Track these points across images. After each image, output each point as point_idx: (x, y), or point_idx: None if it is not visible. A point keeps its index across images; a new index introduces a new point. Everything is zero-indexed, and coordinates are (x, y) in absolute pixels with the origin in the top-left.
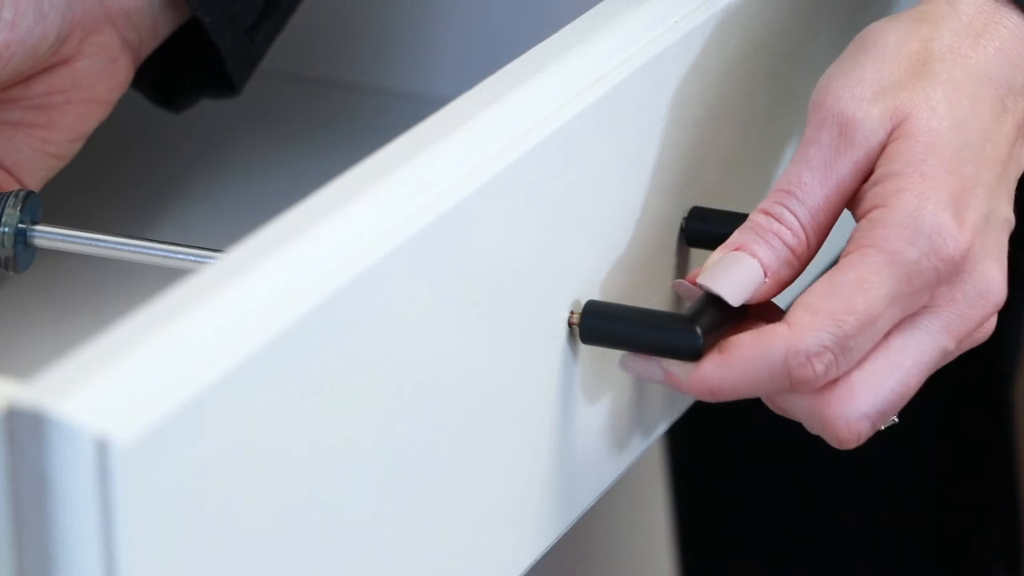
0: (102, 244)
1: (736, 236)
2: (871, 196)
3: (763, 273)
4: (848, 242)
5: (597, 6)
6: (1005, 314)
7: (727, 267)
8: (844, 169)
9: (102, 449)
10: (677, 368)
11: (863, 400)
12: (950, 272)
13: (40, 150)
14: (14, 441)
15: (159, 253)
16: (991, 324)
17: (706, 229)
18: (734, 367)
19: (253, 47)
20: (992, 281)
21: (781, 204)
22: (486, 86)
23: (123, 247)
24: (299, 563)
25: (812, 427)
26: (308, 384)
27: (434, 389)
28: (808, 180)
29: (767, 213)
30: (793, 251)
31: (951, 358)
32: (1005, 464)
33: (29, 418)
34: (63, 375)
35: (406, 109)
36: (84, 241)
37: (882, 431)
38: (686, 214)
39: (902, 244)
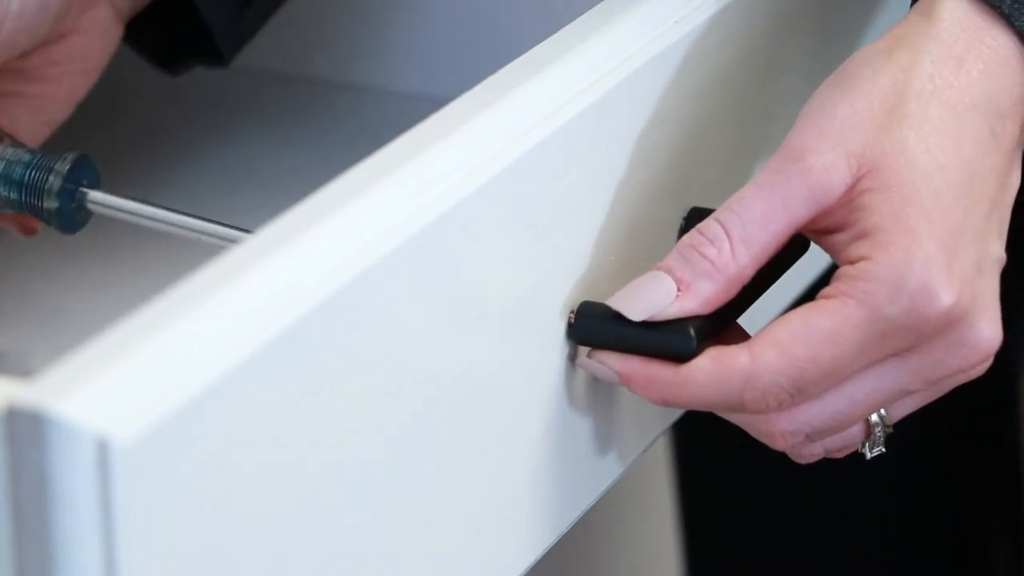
0: (149, 215)
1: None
2: (856, 247)
3: (674, 288)
4: (832, 281)
5: (597, 6)
6: (1013, 314)
7: (636, 286)
8: (792, 192)
9: (102, 449)
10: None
11: (801, 417)
12: (932, 330)
13: (35, 119)
14: (14, 441)
15: (209, 231)
16: (983, 367)
17: None
18: (688, 387)
19: (244, 22)
20: (980, 332)
21: (714, 218)
22: (486, 86)
23: (172, 221)
24: (299, 563)
25: (752, 434)
26: (308, 384)
27: (434, 389)
28: (748, 195)
29: (696, 230)
30: (712, 262)
31: (923, 398)
32: (1010, 463)
33: (29, 418)
34: (63, 375)
35: (406, 109)
36: (132, 210)
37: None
38: (685, 214)
39: (884, 300)
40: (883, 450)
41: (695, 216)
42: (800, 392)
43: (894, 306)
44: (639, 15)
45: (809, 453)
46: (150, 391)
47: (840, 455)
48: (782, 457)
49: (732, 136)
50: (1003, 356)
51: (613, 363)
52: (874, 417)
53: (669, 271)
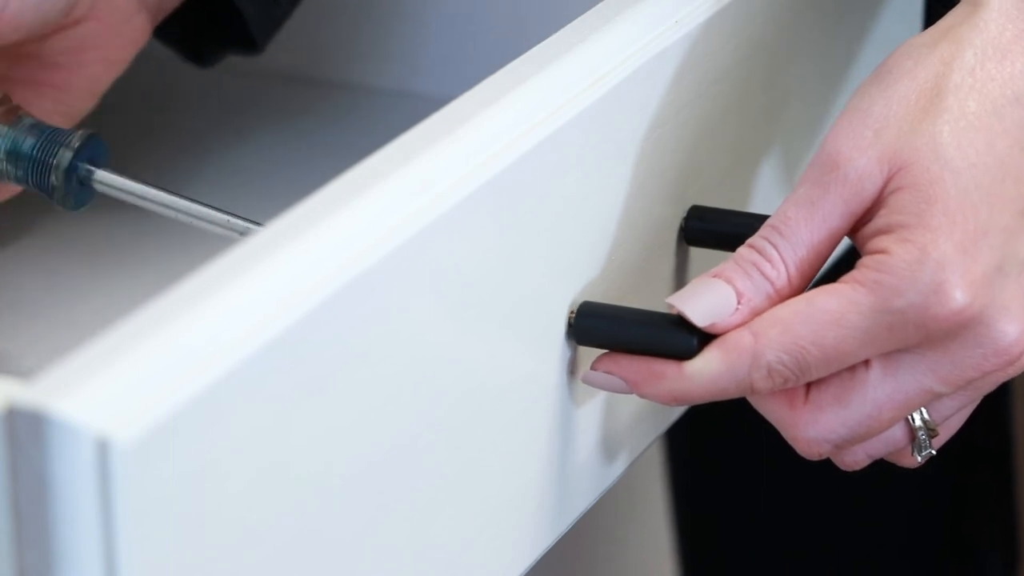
0: (154, 199)
1: (718, 267)
2: (877, 241)
3: (735, 300)
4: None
5: (597, 6)
6: None
7: (698, 289)
8: (831, 207)
9: (102, 449)
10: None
11: (826, 426)
12: (941, 331)
13: (54, 109)
14: (14, 441)
15: (213, 219)
16: (1015, 367)
17: (706, 228)
18: (697, 378)
19: (278, 8)
20: (1000, 333)
21: (764, 238)
22: (486, 86)
23: (176, 206)
24: (299, 563)
25: (783, 435)
26: (308, 384)
27: (434, 390)
28: (793, 216)
29: (750, 246)
30: (772, 283)
31: (960, 400)
32: (1002, 461)
33: (29, 418)
34: (63, 375)
35: (406, 109)
36: (137, 193)
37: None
38: (685, 213)
39: (892, 293)
40: (932, 452)
41: (695, 214)
42: (803, 373)
43: (903, 300)
44: (639, 15)
45: (852, 461)
46: (150, 391)
47: (894, 460)
48: (775, 459)
49: (732, 136)
50: None
51: (617, 369)
52: (916, 420)
53: (729, 281)
